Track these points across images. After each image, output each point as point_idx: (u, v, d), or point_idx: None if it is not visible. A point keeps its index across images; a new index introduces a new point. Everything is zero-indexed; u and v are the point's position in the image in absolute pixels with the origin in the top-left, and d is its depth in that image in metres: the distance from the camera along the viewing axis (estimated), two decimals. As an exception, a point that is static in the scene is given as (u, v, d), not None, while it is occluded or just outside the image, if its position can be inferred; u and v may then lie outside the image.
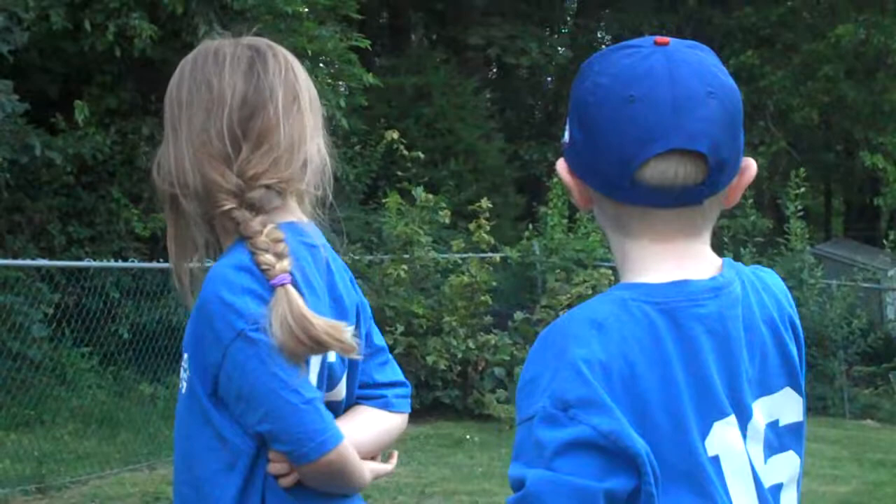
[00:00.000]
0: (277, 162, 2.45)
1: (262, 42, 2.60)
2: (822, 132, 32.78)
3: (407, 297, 13.21)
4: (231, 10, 15.89)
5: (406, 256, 13.47)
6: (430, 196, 13.96)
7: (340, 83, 19.07)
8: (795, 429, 1.87)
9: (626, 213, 1.84)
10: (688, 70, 1.78)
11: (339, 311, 2.47)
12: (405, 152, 14.70)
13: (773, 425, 1.84)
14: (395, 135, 15.12)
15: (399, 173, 14.99)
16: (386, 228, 14.03)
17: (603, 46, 37.59)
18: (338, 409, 2.50)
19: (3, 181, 13.09)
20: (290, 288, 2.35)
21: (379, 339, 2.62)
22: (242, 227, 2.42)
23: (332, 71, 18.57)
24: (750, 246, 19.18)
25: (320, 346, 2.35)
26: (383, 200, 14.96)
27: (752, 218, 21.21)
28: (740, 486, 1.77)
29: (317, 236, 2.54)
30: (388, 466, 2.63)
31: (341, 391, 2.52)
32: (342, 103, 17.97)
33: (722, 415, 1.77)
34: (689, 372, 1.76)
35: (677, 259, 1.84)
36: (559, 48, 32.81)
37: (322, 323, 2.34)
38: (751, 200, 21.20)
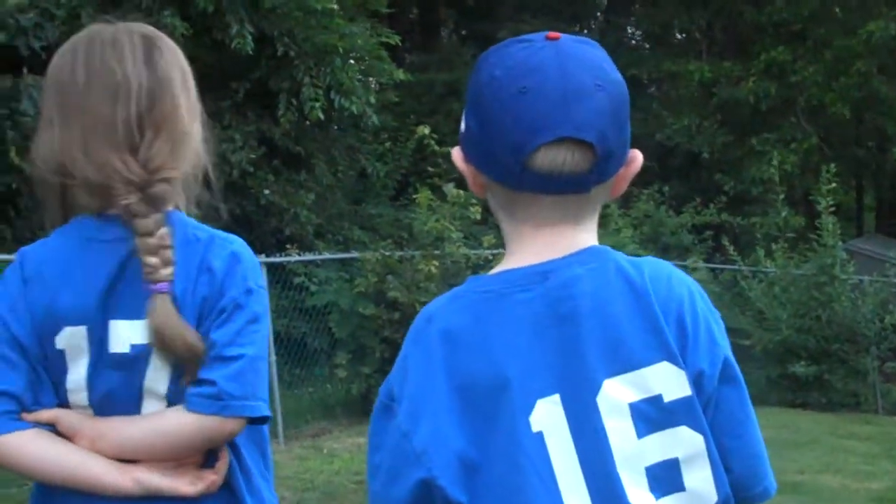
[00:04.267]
0: (174, 149, 2.41)
1: (150, 29, 2.53)
2: (854, 128, 32.62)
3: (438, 292, 13.06)
4: (261, 8, 15.93)
5: (437, 252, 13.42)
6: (461, 192, 13.88)
7: (371, 79, 19.10)
8: (685, 404, 1.85)
9: (516, 199, 1.93)
10: (577, 64, 1.87)
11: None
12: (436, 148, 14.66)
13: (651, 401, 1.84)
14: (426, 130, 15.07)
15: (429, 169, 14.93)
16: (416, 224, 13.98)
17: (633, 42, 37.64)
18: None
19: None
20: (167, 297, 2.34)
21: (219, 334, 2.38)
22: (137, 223, 2.37)
23: (362, 67, 18.59)
24: (782, 242, 19.11)
25: (192, 354, 2.36)
26: (414, 196, 14.94)
27: (783, 214, 21.13)
28: (566, 462, 1.82)
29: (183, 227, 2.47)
30: (177, 486, 2.40)
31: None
32: (372, 100, 18.00)
33: (544, 393, 1.83)
34: (513, 352, 1.85)
35: (548, 246, 1.93)
36: (589, 44, 32.73)
37: (192, 335, 2.35)
38: (782, 197, 21.12)
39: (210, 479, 2.41)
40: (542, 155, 1.84)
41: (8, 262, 2.52)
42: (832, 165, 18.30)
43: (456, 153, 2.00)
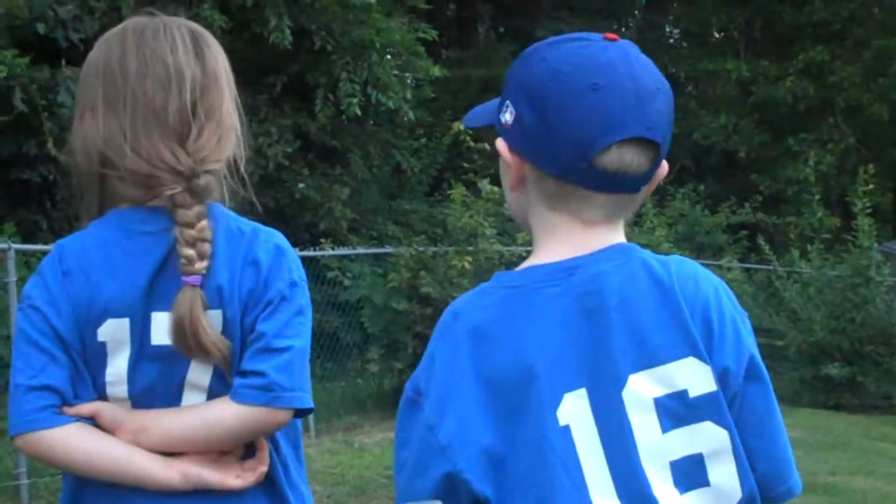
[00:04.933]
0: (220, 140, 2.42)
1: (193, 23, 2.54)
2: (891, 129, 32.42)
3: (471, 288, 12.97)
4: (300, 1, 15.97)
5: (470, 248, 13.40)
6: (496, 188, 13.83)
7: (407, 75, 19.12)
8: (710, 399, 1.86)
9: (568, 195, 1.94)
10: (640, 65, 1.91)
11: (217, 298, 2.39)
12: (471, 144, 14.63)
13: (677, 396, 1.86)
14: (462, 126, 15.05)
15: (464, 165, 14.90)
16: (451, 220, 13.96)
17: (671, 41, 37.50)
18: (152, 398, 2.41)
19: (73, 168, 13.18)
20: (199, 290, 2.34)
21: (267, 326, 2.39)
22: (179, 214, 2.37)
23: (399, 63, 18.60)
24: (817, 243, 19.03)
25: (204, 354, 2.35)
26: (448, 192, 14.92)
27: (818, 215, 21.05)
28: (592, 455, 1.83)
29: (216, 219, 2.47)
30: (225, 479, 2.40)
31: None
32: (409, 95, 18.01)
33: (572, 386, 1.85)
34: (541, 347, 1.87)
35: (577, 243, 1.95)
36: (627, 42, 32.57)
37: (213, 334, 2.35)
38: (818, 197, 21.03)
39: (259, 471, 2.42)
40: (613, 153, 1.86)
41: (44, 252, 2.54)
42: (870, 166, 18.21)
43: (501, 144, 2.00)
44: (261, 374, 2.35)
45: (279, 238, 2.49)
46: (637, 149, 1.87)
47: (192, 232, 2.36)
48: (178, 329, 2.33)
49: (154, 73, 2.40)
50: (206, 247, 2.37)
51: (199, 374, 2.40)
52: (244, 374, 2.36)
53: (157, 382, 2.40)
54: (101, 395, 2.42)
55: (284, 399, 2.36)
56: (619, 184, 1.89)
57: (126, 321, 2.36)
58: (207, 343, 2.33)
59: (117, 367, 2.39)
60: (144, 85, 2.40)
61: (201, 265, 2.35)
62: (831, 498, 9.27)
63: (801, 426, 12.66)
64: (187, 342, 2.33)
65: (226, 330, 2.38)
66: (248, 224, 2.48)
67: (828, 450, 11.78)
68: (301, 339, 2.42)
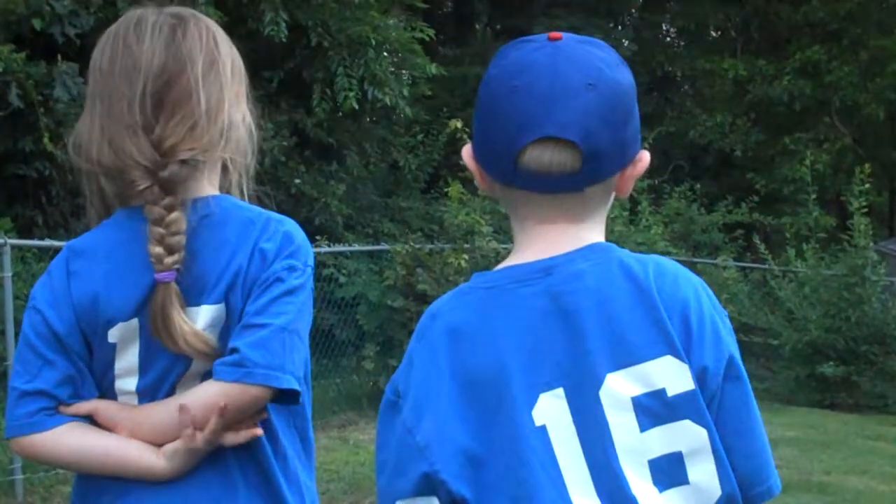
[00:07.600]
0: (193, 129, 2.37)
1: (186, 10, 2.50)
2: (888, 129, 32.43)
3: (467, 286, 13.13)
4: (297, -2, 15.98)
5: (467, 246, 13.39)
6: (492, 186, 13.85)
7: (404, 72, 19.11)
8: (688, 398, 1.85)
9: (514, 197, 1.98)
10: (570, 63, 1.89)
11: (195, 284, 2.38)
12: (468, 142, 14.59)
13: (655, 394, 1.85)
14: (459, 124, 15.04)
15: (461, 162, 14.90)
16: (447, 218, 13.96)
17: (667, 39, 37.49)
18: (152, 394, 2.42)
19: (68, 164, 13.19)
20: (172, 286, 2.33)
21: (251, 305, 2.37)
22: (147, 210, 2.35)
23: (395, 60, 18.59)
24: (812, 242, 19.02)
25: (178, 349, 2.34)
26: (445, 190, 14.91)
27: (814, 214, 21.03)
28: (570, 455, 1.84)
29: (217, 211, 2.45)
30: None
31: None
32: (405, 92, 18.00)
33: (548, 386, 1.85)
34: (517, 347, 1.88)
35: (551, 242, 1.96)
36: (624, 40, 32.63)
37: (188, 329, 2.34)
38: (814, 197, 21.01)
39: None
40: (530, 153, 1.87)
41: (40, 248, 2.54)
42: (866, 166, 18.19)
43: (466, 150, 2.06)
44: (235, 350, 2.34)
45: (289, 225, 2.47)
46: (555, 148, 1.86)
47: (160, 229, 2.34)
48: (154, 326, 2.34)
49: (121, 64, 2.40)
50: (177, 239, 2.35)
51: (199, 368, 2.41)
52: (229, 351, 2.36)
53: (165, 375, 2.41)
54: (109, 390, 2.44)
55: (257, 375, 2.33)
56: (548, 184, 1.90)
57: (135, 321, 2.38)
58: (179, 339, 2.33)
59: (127, 361, 2.41)
60: (112, 78, 2.40)
61: (171, 260, 2.34)
62: (826, 497, 9.27)
63: (796, 425, 12.69)
64: (162, 338, 2.34)
65: (231, 321, 2.38)
66: (260, 213, 2.47)
67: (822, 449, 11.79)
68: (285, 317, 2.38)
